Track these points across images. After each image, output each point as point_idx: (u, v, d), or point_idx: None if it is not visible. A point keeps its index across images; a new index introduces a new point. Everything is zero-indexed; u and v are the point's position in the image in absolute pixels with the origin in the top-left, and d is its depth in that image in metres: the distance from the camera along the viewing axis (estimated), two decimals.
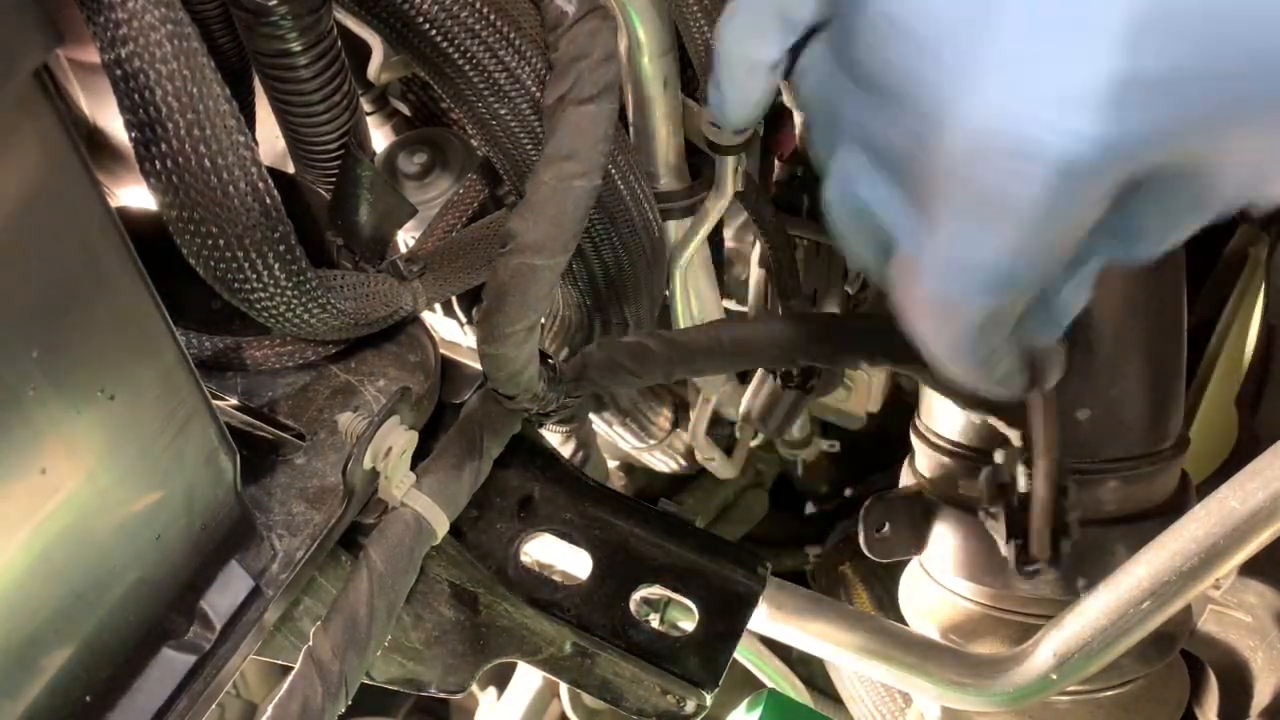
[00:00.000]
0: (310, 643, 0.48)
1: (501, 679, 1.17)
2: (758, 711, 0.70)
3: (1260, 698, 0.78)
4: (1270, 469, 0.55)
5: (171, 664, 0.46)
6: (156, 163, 0.42)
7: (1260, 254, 0.85)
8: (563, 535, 0.61)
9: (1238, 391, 0.86)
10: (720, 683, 0.56)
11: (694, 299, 0.83)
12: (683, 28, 0.61)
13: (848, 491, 1.32)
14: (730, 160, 0.72)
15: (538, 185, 0.52)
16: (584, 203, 0.52)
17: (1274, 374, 0.81)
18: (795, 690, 0.82)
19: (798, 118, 0.81)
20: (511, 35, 0.56)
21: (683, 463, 1.09)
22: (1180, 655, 0.75)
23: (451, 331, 0.91)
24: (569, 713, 1.08)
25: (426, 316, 0.72)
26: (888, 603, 1.03)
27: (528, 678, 1.12)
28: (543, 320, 0.79)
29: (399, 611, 0.52)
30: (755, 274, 0.93)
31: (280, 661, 0.58)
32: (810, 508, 1.40)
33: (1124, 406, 0.68)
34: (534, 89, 0.57)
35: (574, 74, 0.53)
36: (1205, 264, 0.90)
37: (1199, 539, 0.57)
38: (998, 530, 0.63)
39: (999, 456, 0.64)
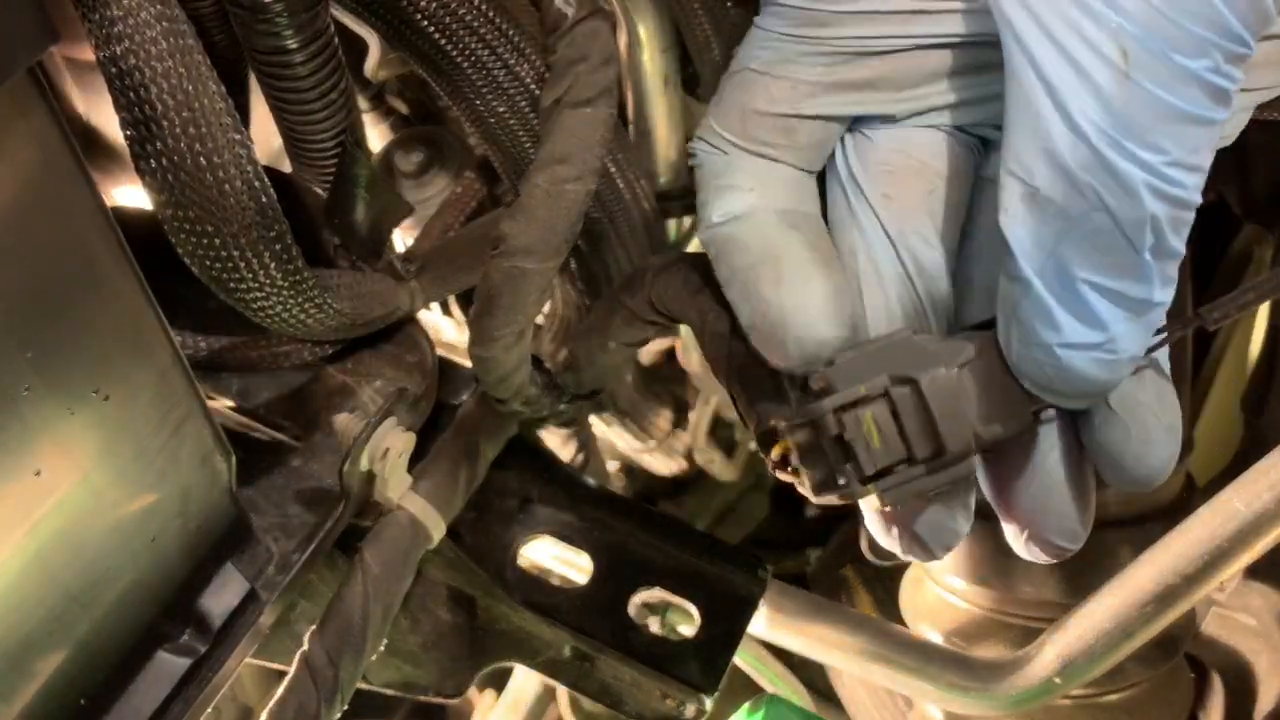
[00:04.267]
0: (305, 647, 0.48)
1: (499, 682, 1.16)
2: (758, 716, 0.69)
3: (1264, 702, 0.78)
4: (1275, 471, 0.55)
5: (166, 667, 0.46)
6: (151, 161, 0.41)
7: (1264, 254, 0.85)
8: (562, 538, 0.61)
9: (1242, 393, 0.85)
10: (721, 687, 0.56)
11: None
12: (684, 24, 0.61)
13: None
14: None
15: (531, 188, 0.51)
16: (577, 207, 0.52)
17: (1279, 376, 0.81)
18: (796, 694, 0.82)
19: None
20: (511, 32, 0.55)
21: (683, 464, 1.08)
22: (1184, 659, 0.75)
23: (449, 332, 0.91)
24: (567, 716, 1.08)
25: (424, 316, 0.71)
26: (889, 606, 1.02)
27: (526, 681, 1.12)
28: (540, 321, 0.79)
29: (395, 615, 0.52)
30: None
31: (276, 665, 0.58)
32: (811, 510, 1.39)
33: None
34: (533, 86, 0.57)
35: (571, 76, 0.52)
36: (1209, 265, 0.89)
37: (1203, 542, 0.56)
38: None
39: None
